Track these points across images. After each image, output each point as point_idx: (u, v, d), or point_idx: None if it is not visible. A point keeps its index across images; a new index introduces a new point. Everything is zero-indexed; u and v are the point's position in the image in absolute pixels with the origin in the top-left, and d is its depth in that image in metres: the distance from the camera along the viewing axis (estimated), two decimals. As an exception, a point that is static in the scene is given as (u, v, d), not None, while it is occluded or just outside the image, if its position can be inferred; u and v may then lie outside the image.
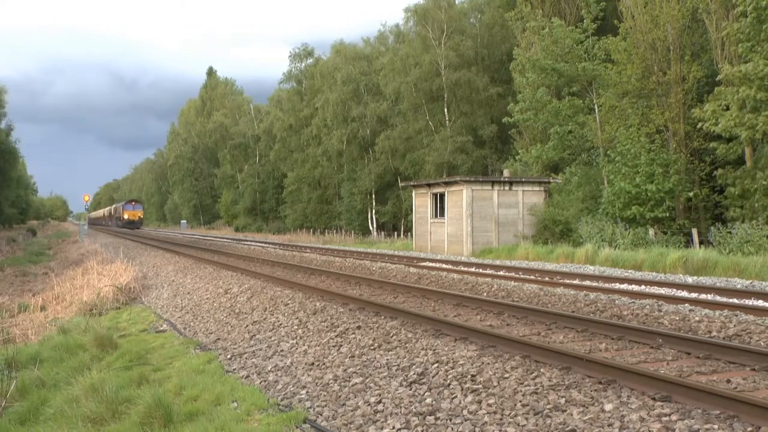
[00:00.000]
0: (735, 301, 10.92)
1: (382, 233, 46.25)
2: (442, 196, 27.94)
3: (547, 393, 5.74)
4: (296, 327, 10.18)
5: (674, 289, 12.64)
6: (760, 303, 10.61)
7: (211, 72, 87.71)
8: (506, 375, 6.34)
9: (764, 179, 19.75)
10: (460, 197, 26.40)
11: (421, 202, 29.70)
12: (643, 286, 13.19)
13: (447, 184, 27.56)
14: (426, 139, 41.36)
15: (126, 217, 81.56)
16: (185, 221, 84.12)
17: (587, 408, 5.33)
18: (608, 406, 5.27)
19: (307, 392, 7.16)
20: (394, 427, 5.69)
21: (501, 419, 5.44)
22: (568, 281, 14.11)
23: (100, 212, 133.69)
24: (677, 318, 8.75)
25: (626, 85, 25.73)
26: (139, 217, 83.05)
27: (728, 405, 4.93)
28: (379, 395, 6.51)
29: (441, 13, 41.51)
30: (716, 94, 21.46)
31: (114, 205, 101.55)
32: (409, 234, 36.55)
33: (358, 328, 9.21)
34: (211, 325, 12.16)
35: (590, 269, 18.01)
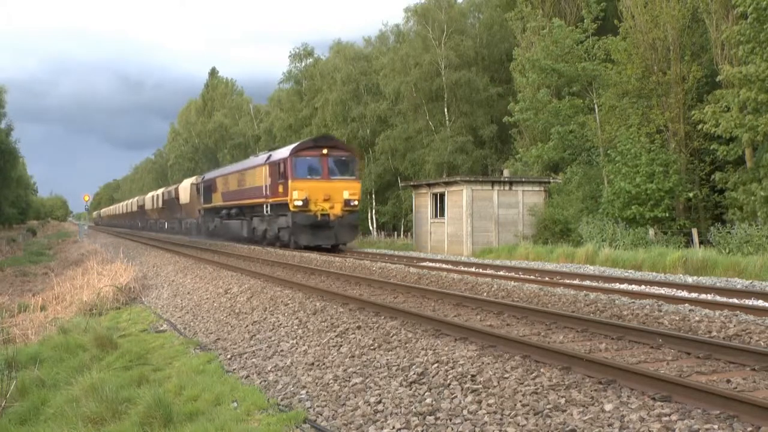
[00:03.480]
0: (735, 301, 10.92)
1: (382, 233, 46.22)
2: (442, 196, 27.93)
3: (547, 393, 5.74)
4: (296, 327, 10.18)
5: (674, 289, 12.64)
6: (760, 303, 10.61)
7: (213, 72, 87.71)
8: (506, 375, 6.34)
9: (762, 190, 19.74)
10: (460, 197, 26.39)
11: (421, 202, 29.69)
12: (643, 286, 13.20)
13: (447, 184, 27.55)
14: (426, 139, 41.34)
15: (301, 199, 24.72)
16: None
17: (587, 408, 5.34)
18: (608, 406, 5.27)
19: (307, 392, 7.16)
20: (394, 427, 5.69)
21: (501, 419, 5.44)
22: (568, 281, 14.11)
23: (127, 204, 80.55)
24: (677, 318, 8.74)
25: (626, 85, 25.74)
26: (351, 201, 25.63)
27: (728, 405, 4.93)
28: (379, 395, 6.51)
29: (441, 13, 41.50)
30: (716, 96, 21.46)
31: (231, 168, 35.22)
32: (409, 234, 36.53)
33: (358, 328, 9.21)
34: (211, 325, 12.16)
35: (590, 269, 18.01)
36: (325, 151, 25.75)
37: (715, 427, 4.68)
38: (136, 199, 74.11)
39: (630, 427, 4.88)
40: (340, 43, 54.82)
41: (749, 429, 4.63)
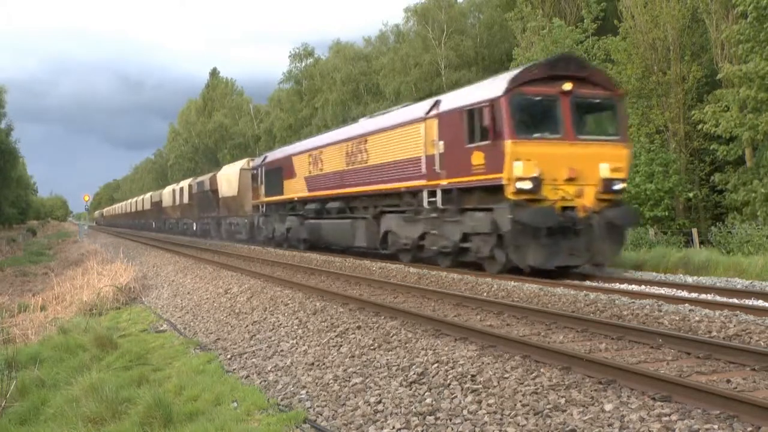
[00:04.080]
0: (735, 301, 10.90)
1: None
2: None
3: (547, 393, 5.74)
4: (296, 327, 10.18)
5: (674, 289, 12.61)
6: (760, 303, 10.59)
7: (214, 72, 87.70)
8: (506, 375, 6.35)
9: (763, 187, 19.74)
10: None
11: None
12: (643, 286, 13.16)
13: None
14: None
15: (529, 177, 12.57)
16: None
17: (587, 408, 5.34)
18: (608, 406, 5.27)
19: (307, 392, 7.16)
20: (394, 427, 5.69)
21: (501, 419, 5.44)
22: (568, 281, 14.09)
23: (137, 201, 69.61)
24: (677, 318, 8.74)
25: (626, 85, 25.72)
26: (614, 182, 13.39)
27: (728, 405, 4.93)
28: (379, 395, 6.52)
29: (441, 13, 41.54)
30: (716, 95, 21.47)
31: (330, 137, 21.75)
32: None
33: (358, 328, 9.21)
34: (211, 325, 12.16)
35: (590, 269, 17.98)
36: (567, 86, 13.22)
37: (715, 427, 4.68)
38: (149, 194, 61.36)
39: (630, 427, 4.88)
40: (340, 43, 54.88)
41: (749, 429, 4.63)
